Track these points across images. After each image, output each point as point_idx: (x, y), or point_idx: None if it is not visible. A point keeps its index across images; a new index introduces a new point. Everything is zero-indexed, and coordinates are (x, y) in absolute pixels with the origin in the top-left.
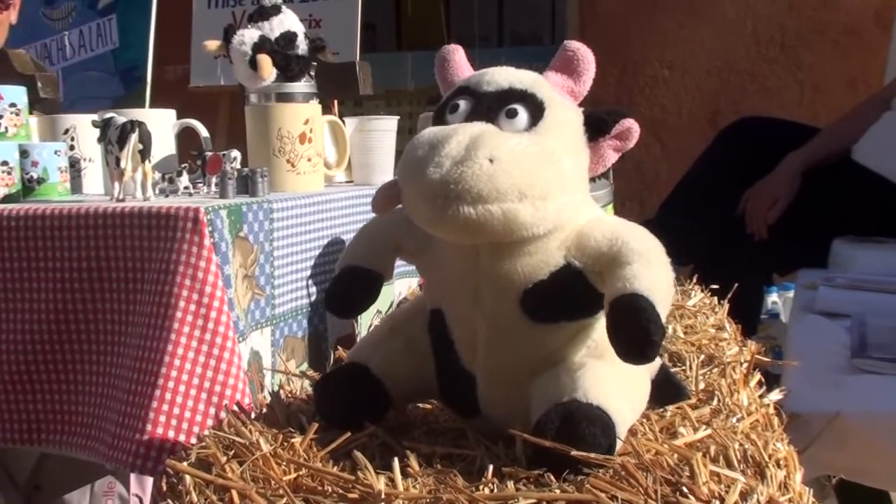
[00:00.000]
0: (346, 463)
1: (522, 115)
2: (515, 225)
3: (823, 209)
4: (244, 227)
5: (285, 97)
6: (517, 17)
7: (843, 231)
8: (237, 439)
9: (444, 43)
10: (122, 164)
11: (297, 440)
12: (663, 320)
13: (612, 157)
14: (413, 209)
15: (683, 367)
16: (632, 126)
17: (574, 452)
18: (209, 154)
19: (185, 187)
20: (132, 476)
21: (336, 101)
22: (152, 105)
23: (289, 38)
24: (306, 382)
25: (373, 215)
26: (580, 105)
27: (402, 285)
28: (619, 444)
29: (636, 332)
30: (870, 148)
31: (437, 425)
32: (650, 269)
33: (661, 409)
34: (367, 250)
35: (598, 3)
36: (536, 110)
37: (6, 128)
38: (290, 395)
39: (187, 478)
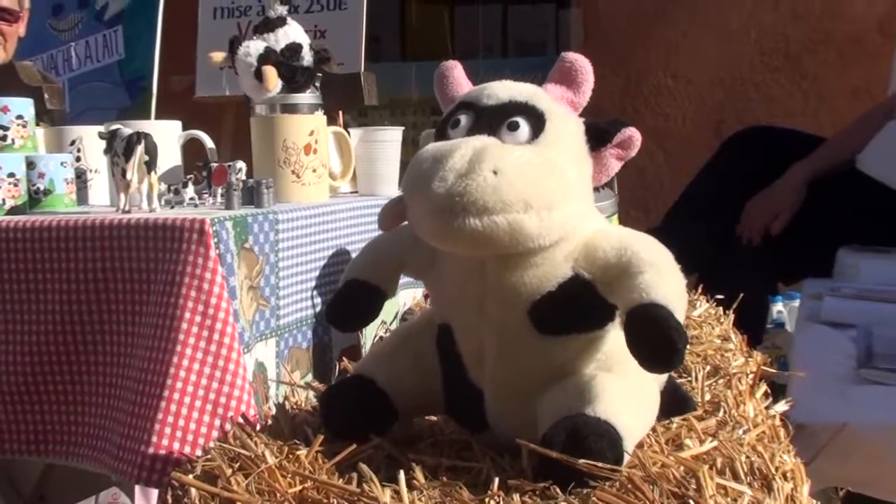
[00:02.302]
0: (351, 475)
1: (524, 128)
2: (521, 236)
3: (828, 218)
4: (249, 238)
5: (290, 108)
6: (521, 27)
7: (847, 240)
8: (242, 451)
9: (449, 53)
10: (129, 176)
11: (302, 452)
12: (683, 327)
13: (614, 166)
14: (419, 223)
15: (689, 378)
16: (633, 134)
17: (581, 461)
18: (215, 165)
19: (191, 198)
20: (136, 488)
21: (341, 112)
22: (158, 116)
23: (294, 49)
24: (311, 393)
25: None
26: (582, 115)
27: (406, 296)
28: (626, 459)
29: (659, 342)
30: (874, 157)
31: (442, 437)
32: (664, 278)
33: (667, 421)
34: (370, 266)
35: (602, 13)
36: (537, 122)
37: (13, 139)
38: (295, 407)
39: (193, 490)
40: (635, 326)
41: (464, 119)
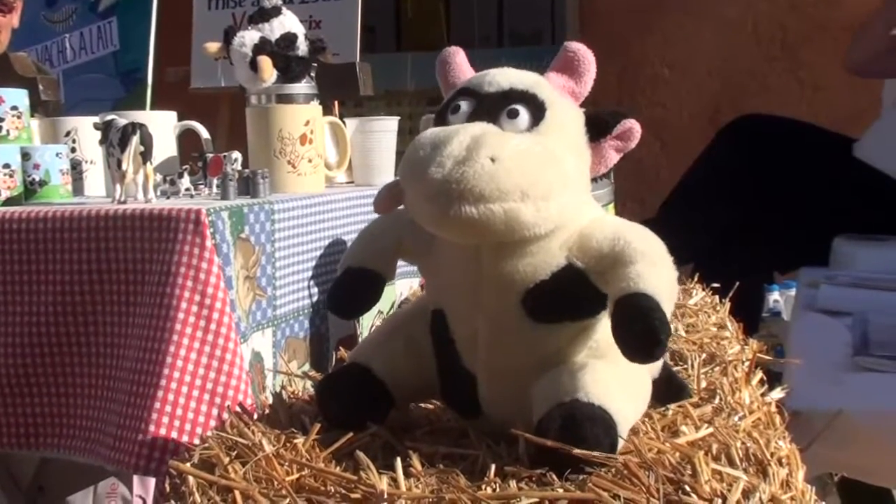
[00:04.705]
0: (348, 463)
1: (524, 116)
2: (517, 224)
3: (825, 207)
4: (245, 228)
5: (286, 98)
6: (517, 17)
7: (844, 229)
8: (240, 440)
9: (444, 43)
10: (124, 166)
11: (299, 441)
12: (669, 319)
13: (613, 158)
14: (415, 209)
15: (685, 366)
16: (633, 126)
17: (576, 451)
18: (210, 156)
19: (187, 189)
20: (135, 478)
21: (337, 102)
22: (153, 107)
23: (289, 39)
24: (308, 383)
25: (374, 216)
26: (581, 106)
27: (403, 286)
28: (620, 444)
29: (642, 332)
30: (872, 145)
31: (439, 425)
32: (654, 269)
33: (663, 408)
34: (369, 251)
35: (598, 2)
36: (538, 111)
37: (8, 130)
38: (292, 396)
39: (190, 479)
40: (620, 315)
41: (464, 105)
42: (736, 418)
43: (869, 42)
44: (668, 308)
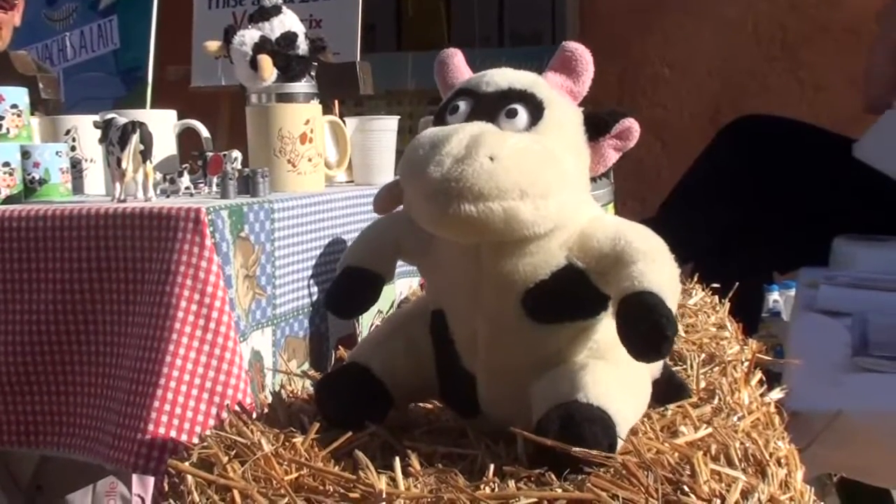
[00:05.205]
0: (347, 463)
1: (522, 115)
2: (516, 223)
3: (825, 207)
4: (245, 227)
5: (286, 97)
6: (517, 17)
7: (844, 229)
8: (239, 439)
9: (445, 43)
10: (124, 165)
11: (298, 440)
12: (674, 316)
13: (612, 157)
14: (414, 208)
15: (684, 366)
16: (632, 125)
17: (575, 450)
18: (210, 154)
19: (187, 188)
20: (134, 476)
21: (338, 101)
22: (153, 105)
23: (289, 38)
24: (307, 382)
25: (374, 215)
26: (580, 105)
27: (403, 285)
28: (620, 445)
29: (650, 329)
30: (872, 145)
31: (438, 425)
32: (656, 267)
33: (663, 408)
34: (368, 251)
35: (599, 2)
36: (536, 110)
37: (8, 129)
38: (291, 395)
39: (189, 478)
40: (626, 314)
41: (462, 105)
42: (735, 419)
43: (880, 72)
44: (672, 305)
